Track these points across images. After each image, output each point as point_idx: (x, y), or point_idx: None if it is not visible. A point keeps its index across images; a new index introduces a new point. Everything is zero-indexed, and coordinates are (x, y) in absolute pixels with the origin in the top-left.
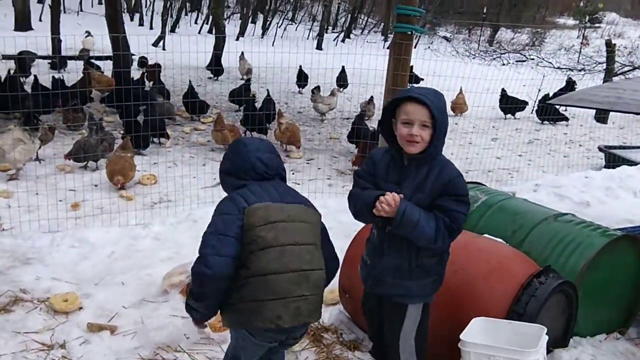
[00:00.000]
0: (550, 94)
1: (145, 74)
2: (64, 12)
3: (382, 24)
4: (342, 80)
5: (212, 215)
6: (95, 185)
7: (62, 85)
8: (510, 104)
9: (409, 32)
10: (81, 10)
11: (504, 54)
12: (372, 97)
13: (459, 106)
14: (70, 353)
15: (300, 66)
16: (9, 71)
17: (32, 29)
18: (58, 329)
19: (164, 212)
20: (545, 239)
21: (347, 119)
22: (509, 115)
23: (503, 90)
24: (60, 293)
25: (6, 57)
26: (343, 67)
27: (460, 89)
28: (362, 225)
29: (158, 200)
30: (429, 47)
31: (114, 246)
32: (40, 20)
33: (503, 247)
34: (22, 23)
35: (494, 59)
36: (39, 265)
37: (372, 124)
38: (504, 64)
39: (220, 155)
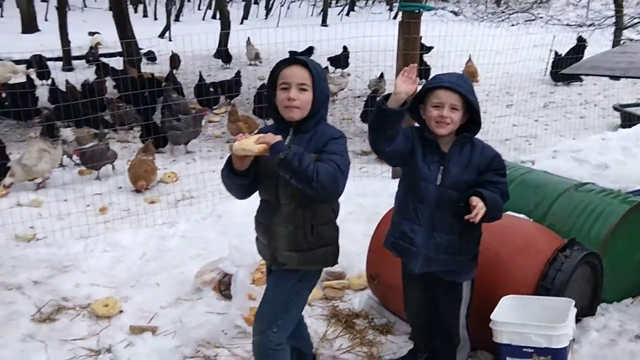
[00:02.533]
0: (562, 54)
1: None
2: (69, 9)
3: None
4: (343, 61)
5: (341, 147)
6: (120, 188)
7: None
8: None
9: (417, 11)
10: (85, 6)
11: (512, 14)
12: (382, 73)
13: (472, 75)
14: (117, 357)
15: (311, 47)
16: (28, 78)
17: (39, 30)
18: (102, 334)
19: (188, 210)
20: (568, 210)
21: (359, 97)
22: (527, 81)
23: (556, 53)
24: (100, 298)
25: (19, 62)
26: (345, 47)
27: (469, 57)
28: (383, 209)
29: (181, 197)
30: (435, 14)
31: (144, 247)
32: (46, 19)
33: (526, 223)
34: (29, 25)
35: (503, 20)
36: (77, 272)
37: None
38: (513, 25)
39: None
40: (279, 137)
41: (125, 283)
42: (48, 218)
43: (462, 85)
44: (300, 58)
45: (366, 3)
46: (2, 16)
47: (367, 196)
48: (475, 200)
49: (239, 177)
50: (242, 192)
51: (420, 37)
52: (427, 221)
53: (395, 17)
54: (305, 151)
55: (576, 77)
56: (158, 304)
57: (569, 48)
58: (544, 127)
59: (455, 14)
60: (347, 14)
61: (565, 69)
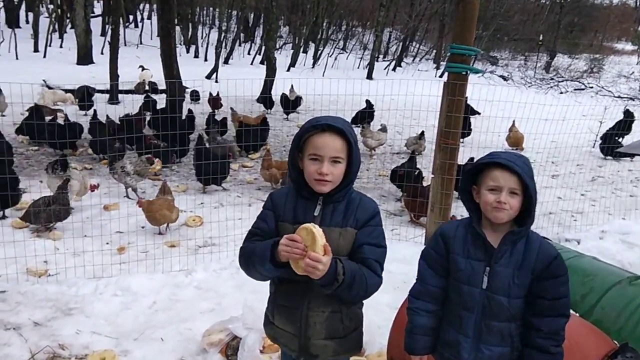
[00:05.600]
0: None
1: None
2: (125, 44)
3: (434, 51)
4: (367, 115)
5: (383, 232)
6: (142, 227)
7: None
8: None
9: (464, 72)
10: (140, 43)
11: (561, 81)
12: (422, 132)
13: (517, 141)
14: None
15: (299, 96)
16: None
17: (93, 62)
18: None
19: (208, 258)
20: (619, 306)
21: (397, 153)
22: (574, 152)
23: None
24: (98, 350)
25: (68, 91)
26: (367, 101)
27: (513, 123)
28: (413, 277)
29: (202, 244)
30: (482, 75)
31: (155, 295)
32: (102, 53)
33: (573, 320)
34: (84, 57)
35: (551, 87)
36: (80, 316)
37: (423, 159)
38: (561, 93)
39: (266, 195)
40: (325, 266)
41: (129, 334)
42: (64, 253)
43: (521, 165)
44: (336, 125)
45: (413, 60)
46: (61, 47)
47: (397, 262)
48: None
49: (281, 269)
50: (269, 278)
51: (466, 99)
52: (474, 331)
53: (441, 76)
54: (356, 272)
55: (628, 153)
56: None
57: (615, 122)
58: (591, 203)
59: (504, 78)
60: (394, 69)
61: (609, 143)
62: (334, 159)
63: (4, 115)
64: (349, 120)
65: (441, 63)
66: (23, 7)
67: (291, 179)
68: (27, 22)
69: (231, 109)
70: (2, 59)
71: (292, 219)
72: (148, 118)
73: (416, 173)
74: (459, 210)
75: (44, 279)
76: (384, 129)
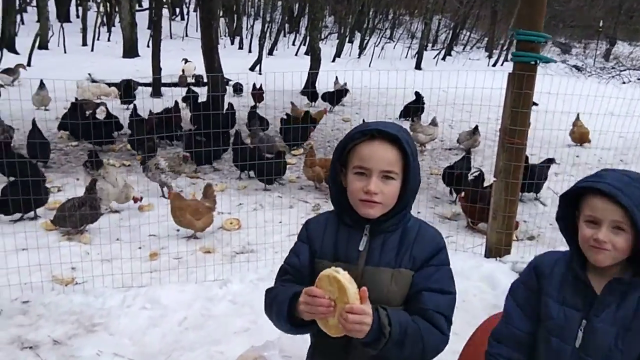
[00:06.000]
0: None
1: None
2: (170, 37)
3: (486, 39)
4: (417, 109)
5: (450, 273)
6: (177, 230)
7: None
8: None
9: (533, 62)
10: (186, 36)
11: (623, 70)
12: (477, 126)
13: (583, 137)
14: None
15: (346, 89)
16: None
17: (138, 55)
18: None
19: (245, 267)
20: None
21: (450, 149)
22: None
23: None
24: None
25: (112, 84)
26: (417, 93)
27: (577, 117)
28: (472, 295)
29: (239, 250)
30: (543, 65)
31: (186, 310)
32: (147, 46)
33: None
34: (130, 50)
35: (613, 76)
36: (104, 334)
37: (482, 158)
38: (624, 82)
39: (309, 195)
40: (369, 319)
41: (154, 357)
42: (94, 259)
43: (630, 194)
44: (387, 130)
45: (464, 48)
46: (109, 40)
47: (454, 276)
48: None
49: (302, 329)
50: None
51: None
52: None
53: (494, 65)
54: (408, 324)
55: None
56: None
57: None
58: None
59: (578, 69)
60: (443, 59)
61: None
62: (385, 173)
63: (47, 110)
64: (398, 114)
65: (493, 51)
66: (74, 1)
67: (332, 201)
68: (78, 16)
69: (292, 103)
70: (51, 53)
71: (332, 255)
72: (184, 112)
73: (477, 174)
74: (523, 216)
75: (70, 287)
76: (434, 123)
